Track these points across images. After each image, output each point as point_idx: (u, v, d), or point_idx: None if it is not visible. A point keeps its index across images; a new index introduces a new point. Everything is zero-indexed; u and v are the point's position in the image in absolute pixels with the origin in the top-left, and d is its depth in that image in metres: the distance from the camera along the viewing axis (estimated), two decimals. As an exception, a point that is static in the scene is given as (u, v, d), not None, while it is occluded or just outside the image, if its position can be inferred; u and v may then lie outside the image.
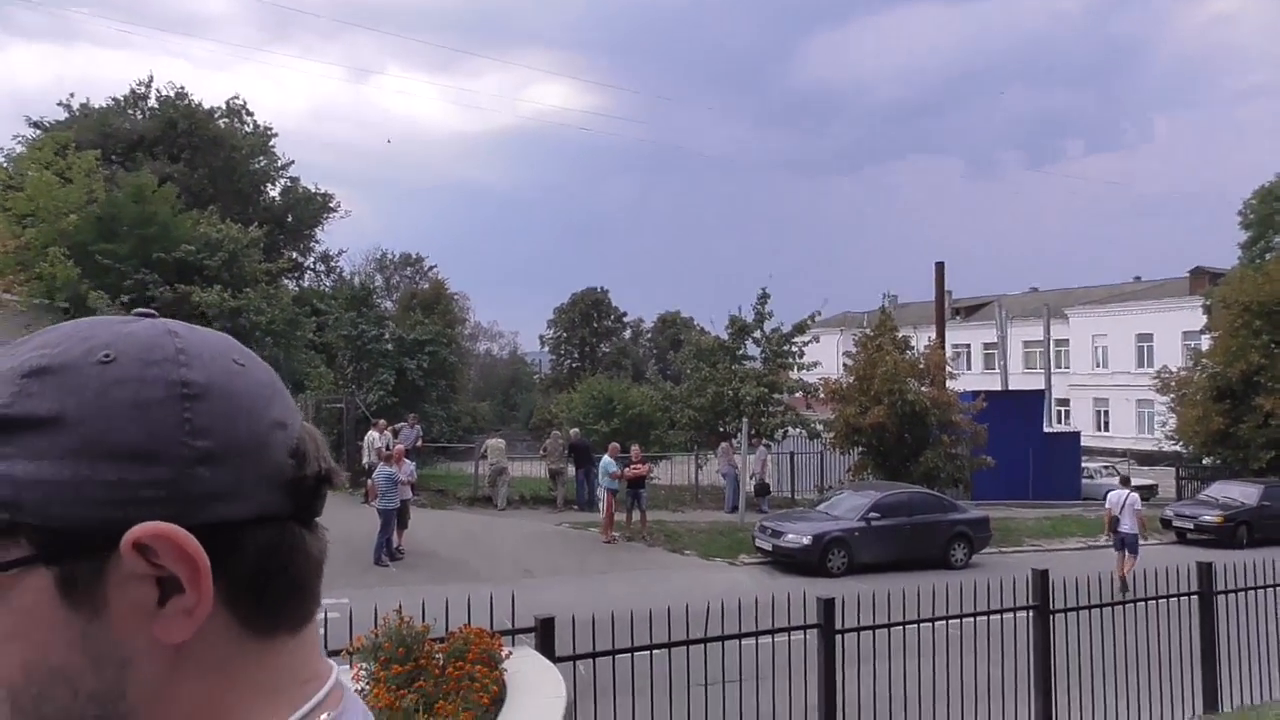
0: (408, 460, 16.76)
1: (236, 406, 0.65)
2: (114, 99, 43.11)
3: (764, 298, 25.95)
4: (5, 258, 15.52)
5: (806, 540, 16.73)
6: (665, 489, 23.95)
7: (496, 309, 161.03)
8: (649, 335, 63.71)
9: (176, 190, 34.19)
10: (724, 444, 23.35)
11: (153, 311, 0.71)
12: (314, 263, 49.38)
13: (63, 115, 40.22)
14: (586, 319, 61.27)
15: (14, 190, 31.90)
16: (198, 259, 30.30)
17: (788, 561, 16.81)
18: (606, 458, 18.20)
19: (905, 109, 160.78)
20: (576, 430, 23.42)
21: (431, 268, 56.30)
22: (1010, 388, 32.69)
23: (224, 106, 44.31)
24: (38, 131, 37.95)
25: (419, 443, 21.21)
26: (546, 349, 63.62)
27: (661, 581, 15.67)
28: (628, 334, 63.69)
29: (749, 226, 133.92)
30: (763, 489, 22.32)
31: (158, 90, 42.85)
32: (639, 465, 18.68)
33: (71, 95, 42.71)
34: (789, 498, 24.30)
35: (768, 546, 17.27)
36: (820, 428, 24.75)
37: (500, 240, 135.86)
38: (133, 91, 43.23)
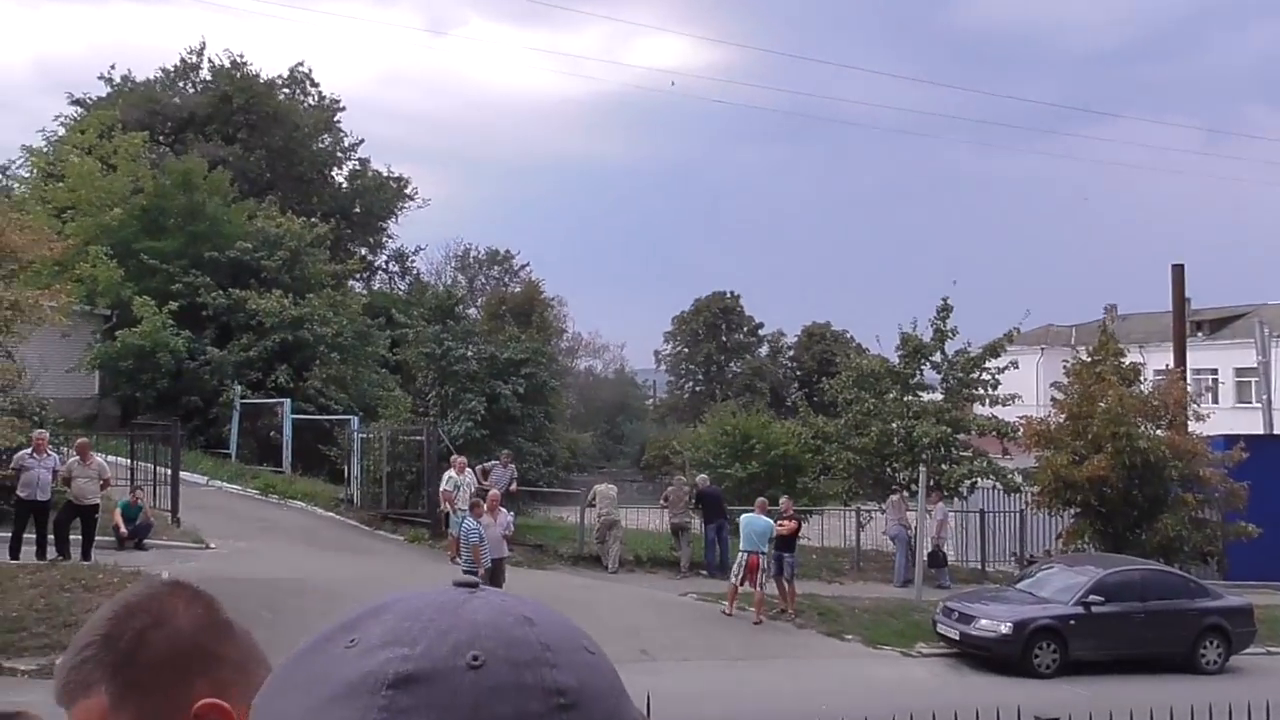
0: (503, 510, 17.04)
1: (604, 711, 0.73)
2: (162, 70, 45.56)
3: (945, 310, 25.40)
4: (46, 263, 16.59)
5: (1006, 629, 16.29)
6: (816, 552, 23.64)
7: (601, 316, 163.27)
8: (790, 352, 63.15)
9: (230, 176, 36.03)
10: (894, 496, 22.89)
11: (474, 581, 0.80)
12: (386, 261, 50.96)
13: (104, 90, 42.74)
14: (713, 331, 61.24)
15: (54, 179, 34.27)
16: (254, 259, 31.82)
17: (980, 655, 16.39)
18: (755, 515, 18.02)
19: (1119, 55, 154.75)
20: (705, 476, 23.38)
21: (523, 266, 57.40)
22: (1277, 430, 30.94)
23: (285, 76, 46.22)
24: (79, 110, 40.48)
25: (513, 486, 21.55)
26: (662, 367, 63.95)
27: (815, 674, 15.42)
28: (764, 350, 63.32)
29: (917, 213, 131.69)
30: (938, 558, 21.76)
31: (210, 59, 45.06)
32: (788, 520, 18.51)
33: (113, 67, 45.43)
34: (978, 569, 23.63)
35: (953, 634, 16.84)
36: (1019, 480, 24.02)
37: (606, 232, 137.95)
38: (183, 61, 45.61)
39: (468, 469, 20.53)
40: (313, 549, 20.25)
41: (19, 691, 12.14)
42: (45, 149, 37.42)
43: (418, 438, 22.92)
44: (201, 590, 1.30)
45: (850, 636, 17.66)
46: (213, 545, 19.69)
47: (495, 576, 16.10)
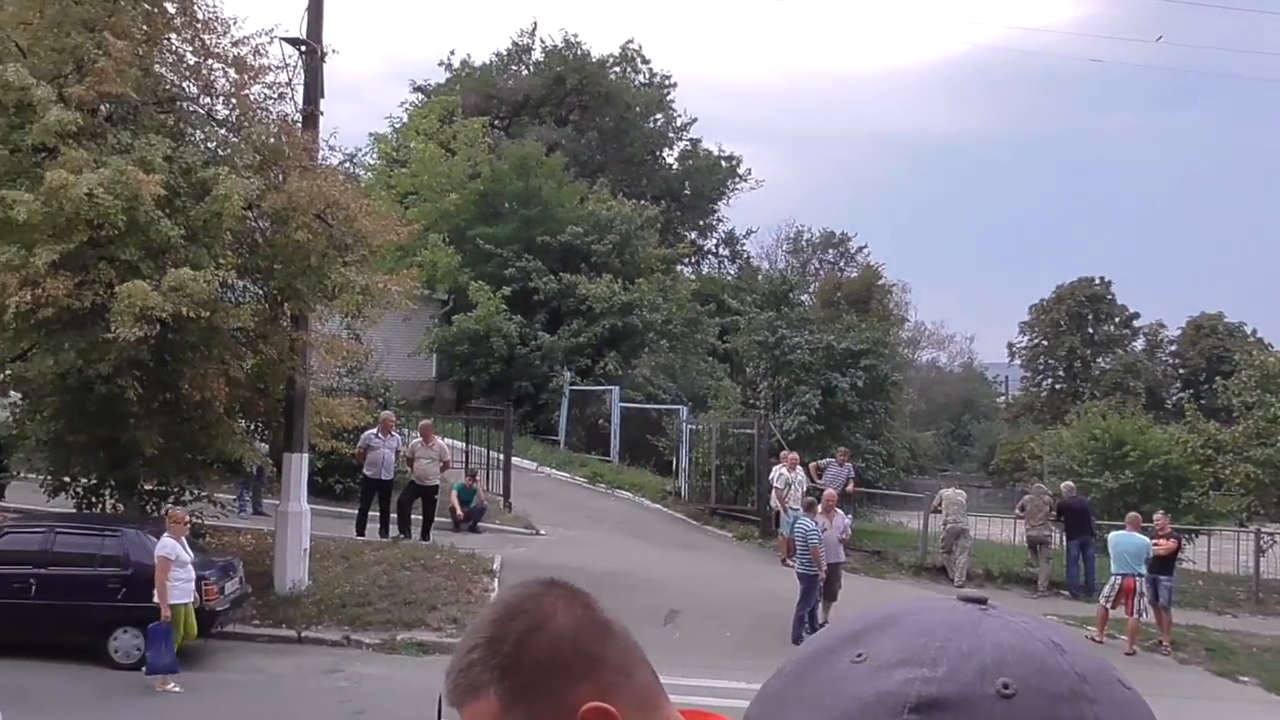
0: (839, 511, 16.92)
1: None
2: (496, 54, 48.71)
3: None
4: (389, 248, 18.17)
5: None
6: (1201, 578, 21.92)
7: (947, 305, 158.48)
8: (1172, 347, 58.62)
9: (564, 160, 38.06)
10: (1305, 519, 20.76)
11: (982, 596, 0.79)
12: (716, 245, 51.97)
13: (444, 76, 46.33)
14: (1078, 322, 57.84)
15: (399, 165, 37.65)
16: (585, 243, 33.46)
17: None
18: (1127, 533, 16.93)
19: None
20: (1070, 485, 22.17)
21: (860, 250, 56.79)
22: None
23: (616, 54, 48.08)
24: (421, 96, 44.16)
25: (850, 486, 21.36)
26: (1017, 362, 61.13)
27: (1205, 720, 14.25)
28: (1139, 344, 59.13)
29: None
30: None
31: (541, 40, 47.70)
32: (1165, 539, 17.33)
33: (451, 52, 49.20)
34: None
35: (1384, 687, 15.01)
36: None
37: (954, 212, 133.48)
38: (515, 45, 48.55)
39: (799, 466, 20.56)
40: (640, 541, 21.01)
41: (364, 663, 13.42)
42: (390, 136, 41.11)
43: (748, 431, 23.19)
44: (578, 589, 1.32)
45: (1246, 679, 16.22)
46: (542, 532, 20.90)
47: (831, 582, 16.02)
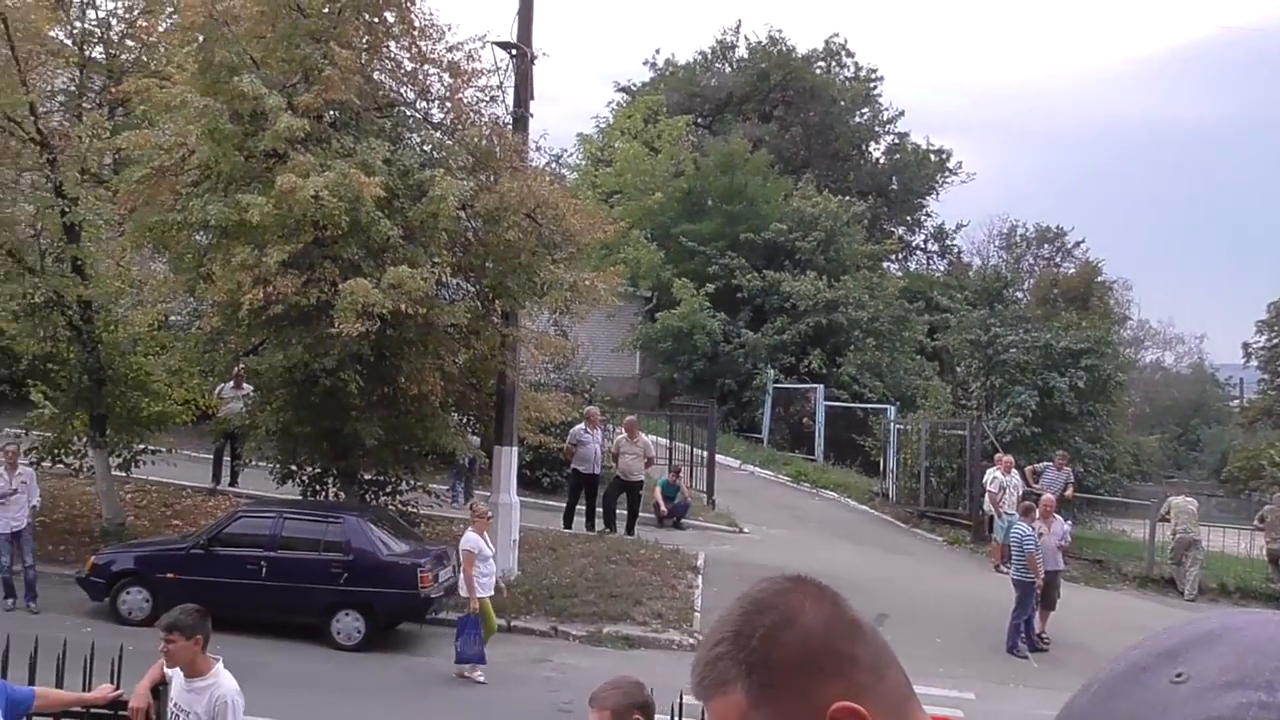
0: (1058, 518, 16.23)
1: None
2: (700, 53, 48.96)
3: None
4: (595, 246, 18.46)
5: None
6: None
7: (1173, 302, 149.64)
8: None
9: (769, 157, 37.91)
10: None
11: None
12: (924, 241, 50.83)
13: (648, 75, 46.87)
14: (1322, 320, 53.87)
15: (603, 165, 38.32)
16: (789, 240, 33.24)
17: None
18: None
19: None
20: (1316, 494, 20.62)
21: (1077, 245, 54.44)
22: None
23: (820, 49, 47.61)
24: (625, 96, 44.80)
25: (1069, 491, 20.45)
26: (1254, 363, 57.36)
27: None
28: (1395, 345, 54.59)
29: None
30: None
31: (746, 37, 47.68)
32: None
33: (656, 52, 49.69)
34: None
35: None
36: None
37: (1180, 206, 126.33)
38: (719, 42, 48.70)
39: (1014, 469, 19.82)
40: (845, 542, 20.68)
41: (571, 654, 13.64)
42: (595, 136, 41.84)
43: (959, 432, 22.58)
44: (826, 586, 1.30)
45: None
46: (746, 530, 20.81)
47: (1048, 591, 15.42)
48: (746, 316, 32.21)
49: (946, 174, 48.70)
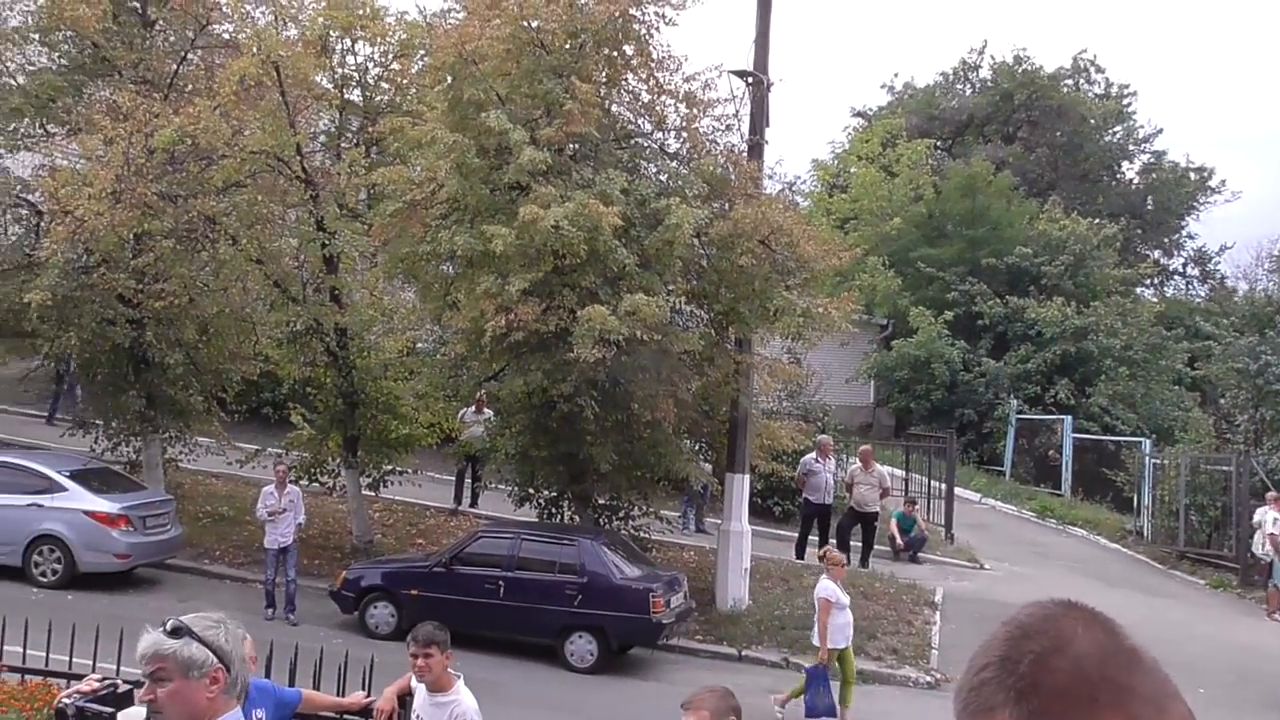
0: (1340, 564, 14.86)
1: None
2: (941, 74, 47.92)
3: None
4: (828, 273, 18.21)
5: None
6: None
7: None
8: None
9: (1012, 179, 36.61)
10: None
11: None
12: (1183, 265, 47.95)
13: (885, 99, 46.18)
14: None
15: (838, 191, 37.94)
16: (1034, 264, 31.95)
17: None
18: None
19: None
20: None
21: (1361, 268, 49.97)
22: None
23: (1067, 66, 45.79)
24: (861, 121, 44.27)
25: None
26: None
27: None
28: None
29: None
30: None
31: (990, 57, 46.33)
32: None
33: (895, 75, 48.86)
34: None
35: None
36: None
37: None
38: (962, 63, 47.55)
39: (1285, 509, 18.29)
40: (1095, 582, 19.57)
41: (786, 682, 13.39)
42: (830, 162, 41.46)
43: (1224, 468, 21.15)
44: (1099, 613, 1.22)
45: None
46: (987, 566, 20.01)
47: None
48: (988, 344, 31.11)
49: (1208, 193, 45.84)
